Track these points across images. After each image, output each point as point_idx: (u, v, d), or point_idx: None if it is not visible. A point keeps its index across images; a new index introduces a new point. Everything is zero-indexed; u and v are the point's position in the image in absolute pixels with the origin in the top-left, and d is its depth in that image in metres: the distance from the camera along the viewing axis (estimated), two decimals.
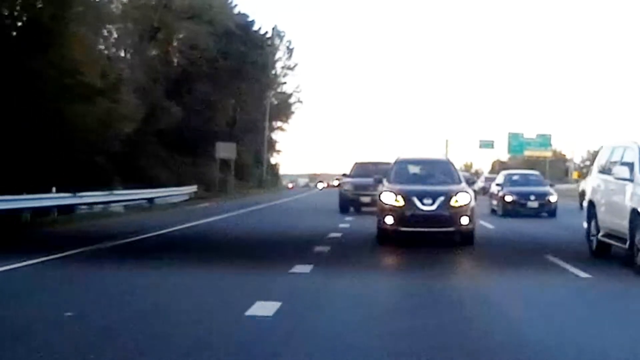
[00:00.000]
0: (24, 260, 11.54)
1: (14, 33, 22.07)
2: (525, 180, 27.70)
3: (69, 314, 7.47)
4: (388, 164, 26.71)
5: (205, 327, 6.92)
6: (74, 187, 22.05)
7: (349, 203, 26.55)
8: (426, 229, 14.51)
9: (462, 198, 14.60)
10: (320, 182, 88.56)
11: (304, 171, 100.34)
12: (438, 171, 16.27)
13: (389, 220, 14.50)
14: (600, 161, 13.54)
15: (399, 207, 14.46)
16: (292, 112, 77.04)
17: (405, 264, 12.68)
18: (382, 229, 14.78)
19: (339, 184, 32.46)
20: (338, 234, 17.32)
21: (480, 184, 46.39)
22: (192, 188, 39.03)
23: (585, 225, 13.53)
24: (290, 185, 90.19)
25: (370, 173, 24.81)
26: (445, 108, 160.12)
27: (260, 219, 24.94)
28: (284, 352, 6.02)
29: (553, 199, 25.51)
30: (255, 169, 63.25)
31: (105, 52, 32.05)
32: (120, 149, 29.49)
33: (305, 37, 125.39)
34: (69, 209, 22.70)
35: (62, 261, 12.06)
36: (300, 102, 77.49)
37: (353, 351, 6.10)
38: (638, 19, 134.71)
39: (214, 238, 17.45)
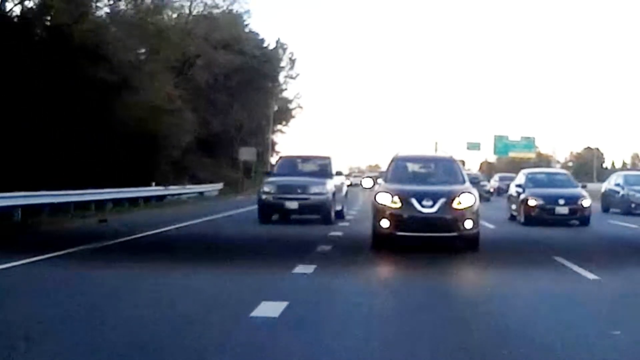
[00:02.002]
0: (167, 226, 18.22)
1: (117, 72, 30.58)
2: (552, 181, 23.00)
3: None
4: (323, 158, 21.44)
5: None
6: (164, 182, 30.84)
7: (271, 209, 19.97)
8: (426, 234, 13.14)
9: (466, 199, 13.06)
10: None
11: None
12: (439, 170, 14.89)
13: (385, 223, 13.04)
14: None
15: (396, 209, 13.02)
16: (293, 117, 79.35)
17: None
18: (377, 233, 13.28)
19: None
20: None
21: (494, 183, 42.78)
22: (220, 185, 46.27)
23: None
24: None
25: (298, 170, 20.80)
26: (434, 111, 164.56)
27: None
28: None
29: (586, 203, 20.91)
30: (259, 169, 69.46)
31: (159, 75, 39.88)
32: (179, 154, 38.05)
33: (303, 44, 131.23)
34: (161, 198, 31.05)
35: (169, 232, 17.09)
36: (300, 107, 79.27)
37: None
38: (618, 25, 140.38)
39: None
